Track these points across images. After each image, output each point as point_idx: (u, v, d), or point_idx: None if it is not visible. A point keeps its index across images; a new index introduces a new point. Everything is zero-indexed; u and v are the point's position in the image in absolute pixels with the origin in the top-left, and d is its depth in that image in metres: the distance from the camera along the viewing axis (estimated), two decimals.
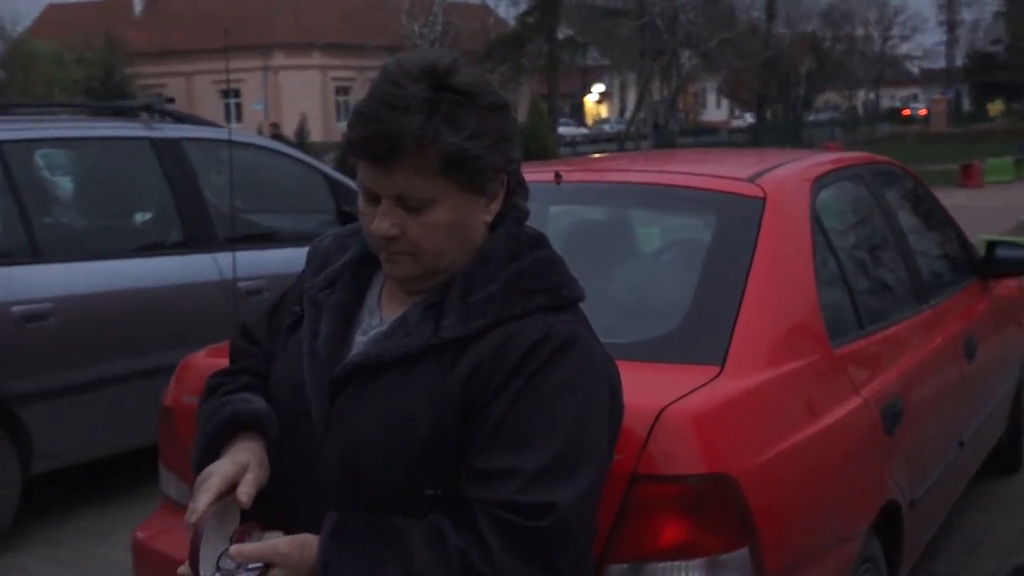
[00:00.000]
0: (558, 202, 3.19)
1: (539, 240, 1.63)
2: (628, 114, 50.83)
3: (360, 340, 1.60)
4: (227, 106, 45.95)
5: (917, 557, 3.36)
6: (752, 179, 3.01)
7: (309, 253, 1.77)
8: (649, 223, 3.22)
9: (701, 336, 2.53)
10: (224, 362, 2.98)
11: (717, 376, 2.40)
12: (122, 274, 4.97)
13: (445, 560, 1.40)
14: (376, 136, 1.45)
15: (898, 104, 72.75)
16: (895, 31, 63.06)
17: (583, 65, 49.31)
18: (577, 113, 59.76)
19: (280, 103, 45.64)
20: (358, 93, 46.75)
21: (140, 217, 5.87)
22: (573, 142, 42.86)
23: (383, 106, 1.46)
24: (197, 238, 5.34)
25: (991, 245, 4.34)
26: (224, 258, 5.32)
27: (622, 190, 3.14)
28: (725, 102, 67.61)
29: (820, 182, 3.19)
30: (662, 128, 40.83)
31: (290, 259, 5.65)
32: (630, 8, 41.90)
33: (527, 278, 1.55)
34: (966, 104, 63.14)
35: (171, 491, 3.00)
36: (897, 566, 3.03)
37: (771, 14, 47.77)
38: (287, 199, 6.39)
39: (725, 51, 42.03)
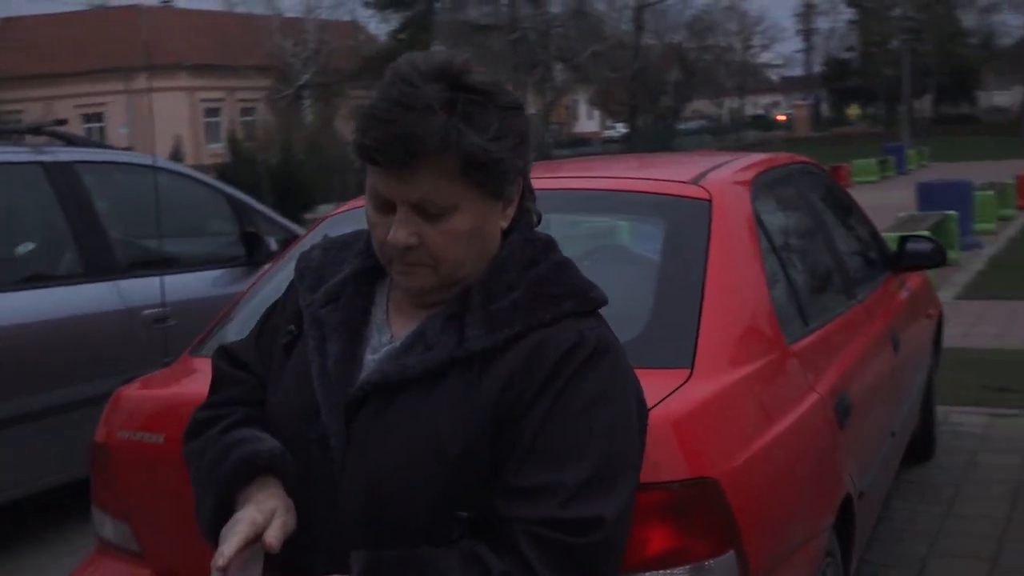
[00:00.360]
0: None
1: (551, 244, 1.56)
2: None
3: (370, 359, 1.51)
4: (89, 131, 44.43)
5: (863, 549, 3.42)
6: (695, 181, 3.02)
7: (299, 268, 1.66)
8: (597, 228, 3.19)
9: (667, 340, 2.51)
10: (162, 394, 2.91)
11: (688, 379, 2.38)
12: (11, 308, 4.67)
13: None
14: (395, 138, 1.36)
15: (761, 111, 74.97)
16: (756, 41, 65.05)
17: None
18: None
19: (147, 126, 44.31)
20: (228, 114, 45.89)
21: (30, 246, 5.60)
22: None
23: (399, 107, 1.37)
24: (96, 266, 5.11)
25: (902, 240, 4.47)
26: (126, 286, 5.12)
27: (565, 196, 3.10)
28: (596, 113, 68.58)
29: (757, 183, 3.23)
30: (539, 141, 41.19)
31: (194, 283, 5.55)
32: (502, 23, 42.25)
33: (551, 283, 1.48)
34: (825, 109, 65.53)
35: (107, 533, 2.83)
36: (849, 559, 3.07)
37: (639, 26, 48.75)
38: (189, 222, 6.18)
39: (597, 63, 42.68)
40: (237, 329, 3.07)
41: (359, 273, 1.58)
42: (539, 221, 1.58)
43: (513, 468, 1.38)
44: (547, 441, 1.38)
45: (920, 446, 4.96)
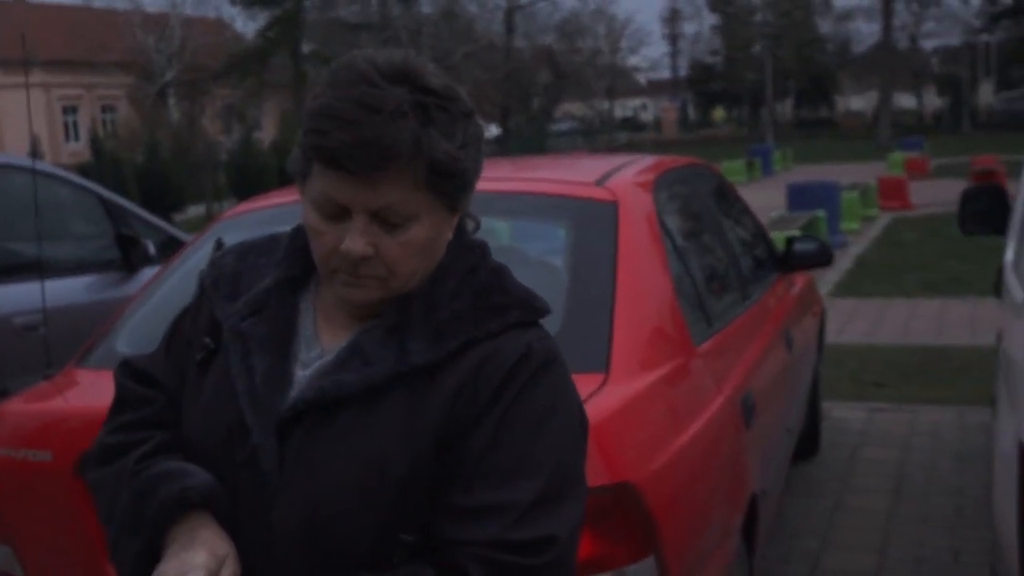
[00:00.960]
0: None
1: (487, 249, 1.49)
2: None
3: (301, 375, 1.40)
4: None
5: (763, 546, 3.46)
6: (600, 183, 3.00)
7: (212, 276, 1.53)
8: (503, 231, 3.14)
9: (580, 344, 2.47)
10: (48, 408, 2.74)
11: (604, 384, 2.37)
12: None
13: None
14: (365, 143, 1.26)
15: (630, 113, 76.25)
16: (624, 44, 66.10)
17: None
18: None
19: None
20: (87, 111, 44.30)
21: None
22: None
23: (365, 109, 1.27)
24: None
25: (789, 240, 4.56)
26: None
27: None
28: None
29: (658, 184, 3.23)
30: None
31: (67, 289, 5.30)
32: (373, 22, 41.90)
33: (493, 292, 1.41)
34: (691, 112, 67.08)
35: None
36: (754, 556, 3.10)
37: (510, 28, 49.01)
38: (60, 225, 5.89)
39: (468, 64, 42.72)
40: (127, 339, 2.93)
41: (282, 282, 1.47)
42: (476, 228, 1.51)
43: (460, 487, 1.31)
44: (495, 459, 1.31)
45: (808, 442, 5.07)
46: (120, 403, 1.55)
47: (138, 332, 2.93)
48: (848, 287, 10.05)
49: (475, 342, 1.36)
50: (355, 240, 1.31)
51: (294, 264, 1.47)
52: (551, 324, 2.46)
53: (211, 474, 1.38)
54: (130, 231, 5.64)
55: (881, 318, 8.80)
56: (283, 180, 25.31)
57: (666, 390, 2.56)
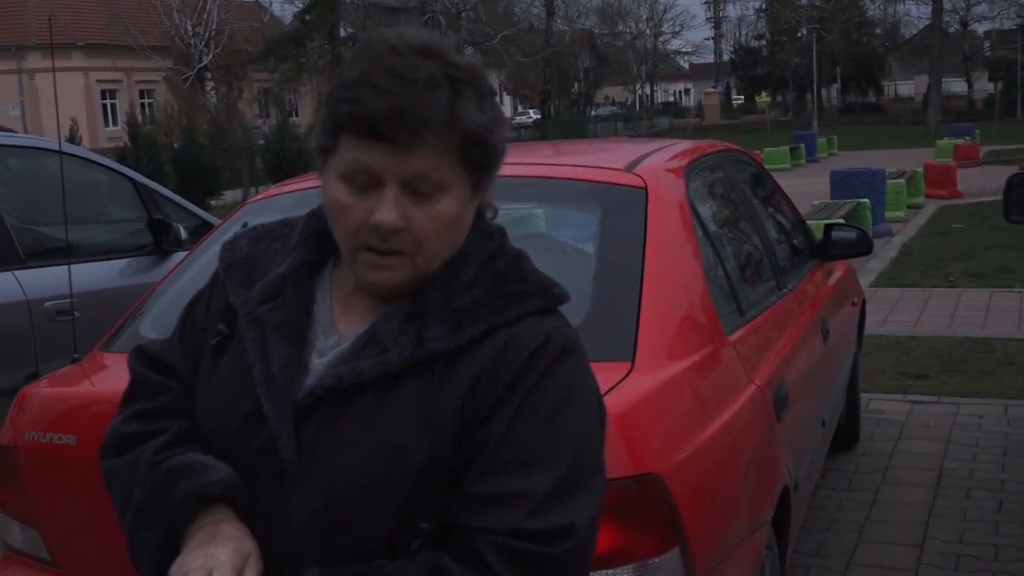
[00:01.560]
0: None
1: (506, 236, 1.46)
2: None
3: (317, 363, 1.38)
4: None
5: (795, 540, 3.39)
6: (629, 168, 2.94)
7: (225, 261, 1.51)
8: (532, 217, 3.09)
9: (607, 332, 2.42)
10: (73, 393, 2.73)
11: (629, 373, 2.32)
12: None
13: None
14: (401, 109, 1.26)
15: (671, 98, 75.76)
16: (666, 28, 65.64)
17: None
18: None
19: (38, 108, 42.72)
20: (126, 96, 44.68)
21: None
22: None
23: (400, 79, 1.27)
24: None
25: (828, 228, 4.46)
26: (26, 276, 4.87)
27: (499, 184, 3.00)
28: (508, 98, 68.64)
29: (690, 170, 3.16)
30: None
31: (100, 273, 5.32)
32: (412, 5, 41.88)
33: (513, 279, 1.39)
34: (733, 97, 66.48)
35: (14, 539, 2.68)
36: (785, 550, 3.04)
37: (550, 11, 48.77)
38: (93, 209, 5.91)
39: (508, 48, 42.59)
40: (152, 323, 2.91)
41: (299, 268, 1.45)
42: (495, 215, 1.47)
43: (477, 475, 1.30)
44: (513, 446, 1.30)
45: (845, 434, 4.98)
46: (134, 390, 1.52)
47: (163, 316, 2.91)
48: (892, 277, 9.88)
49: (494, 329, 1.35)
50: (388, 210, 1.30)
51: (310, 249, 1.46)
52: (577, 312, 2.45)
53: (227, 462, 1.37)
54: (162, 215, 5.65)
55: (925, 308, 8.63)
56: None
57: (694, 380, 2.50)
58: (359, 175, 1.31)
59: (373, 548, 1.31)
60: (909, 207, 14.97)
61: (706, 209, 3.24)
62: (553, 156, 3.54)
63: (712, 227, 3.19)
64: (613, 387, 2.22)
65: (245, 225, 2.68)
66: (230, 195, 23.73)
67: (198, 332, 1.50)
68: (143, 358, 1.55)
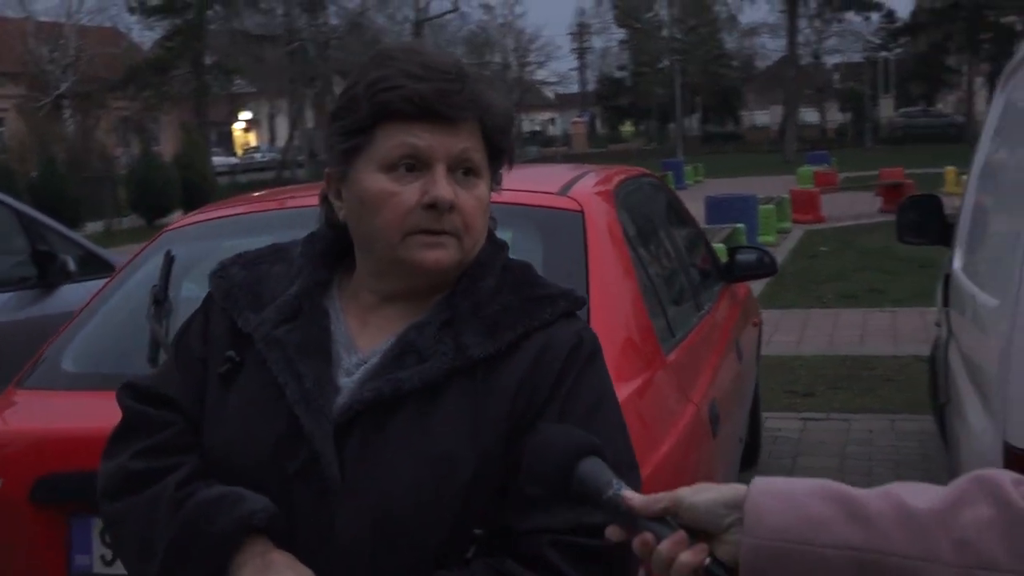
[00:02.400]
0: None
1: (507, 247, 1.49)
2: (280, 143, 50.14)
3: (346, 381, 1.37)
4: None
5: None
6: (563, 192, 2.96)
7: (223, 288, 1.48)
8: None
9: None
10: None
11: None
12: None
13: None
14: (445, 91, 1.33)
15: (538, 127, 76.70)
16: (532, 58, 66.50)
17: (229, 92, 48.00)
18: (225, 142, 58.17)
19: None
20: None
21: None
22: (230, 172, 41.53)
23: (435, 70, 1.34)
24: None
25: (732, 251, 4.58)
26: None
27: None
28: None
29: (617, 194, 3.20)
30: (318, 156, 40.54)
31: None
32: (279, 34, 41.38)
33: (534, 285, 1.43)
34: (599, 126, 67.79)
35: None
36: None
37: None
38: None
39: None
40: (75, 357, 2.78)
41: (312, 288, 1.44)
42: (495, 225, 1.49)
43: None
44: None
45: (748, 451, 5.08)
46: (131, 427, 1.46)
47: (88, 349, 2.79)
48: (770, 299, 10.19)
49: (528, 334, 1.38)
50: (444, 186, 1.33)
51: (318, 269, 1.46)
52: None
53: (256, 491, 1.34)
54: (47, 247, 5.42)
55: (805, 329, 8.94)
56: (188, 194, 24.99)
57: (644, 400, 2.53)
58: (406, 159, 1.34)
59: (427, 558, 1.31)
60: (778, 231, 15.48)
61: (633, 232, 3.28)
62: None
63: (640, 250, 3.24)
64: None
65: (169, 255, 2.61)
66: (92, 226, 22.96)
67: (197, 363, 1.46)
68: (137, 394, 1.49)
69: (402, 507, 1.30)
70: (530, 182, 3.36)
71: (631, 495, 1.15)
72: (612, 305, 2.65)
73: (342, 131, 1.37)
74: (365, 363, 1.38)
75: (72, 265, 5.39)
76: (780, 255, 13.57)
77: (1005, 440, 2.19)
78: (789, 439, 5.76)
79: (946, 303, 3.79)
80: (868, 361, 7.57)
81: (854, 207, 19.20)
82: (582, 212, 2.84)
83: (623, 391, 2.40)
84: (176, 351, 1.50)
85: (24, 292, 5.31)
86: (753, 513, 1.11)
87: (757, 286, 10.84)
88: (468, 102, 1.34)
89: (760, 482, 1.15)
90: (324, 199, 1.47)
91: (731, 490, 1.16)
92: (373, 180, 1.35)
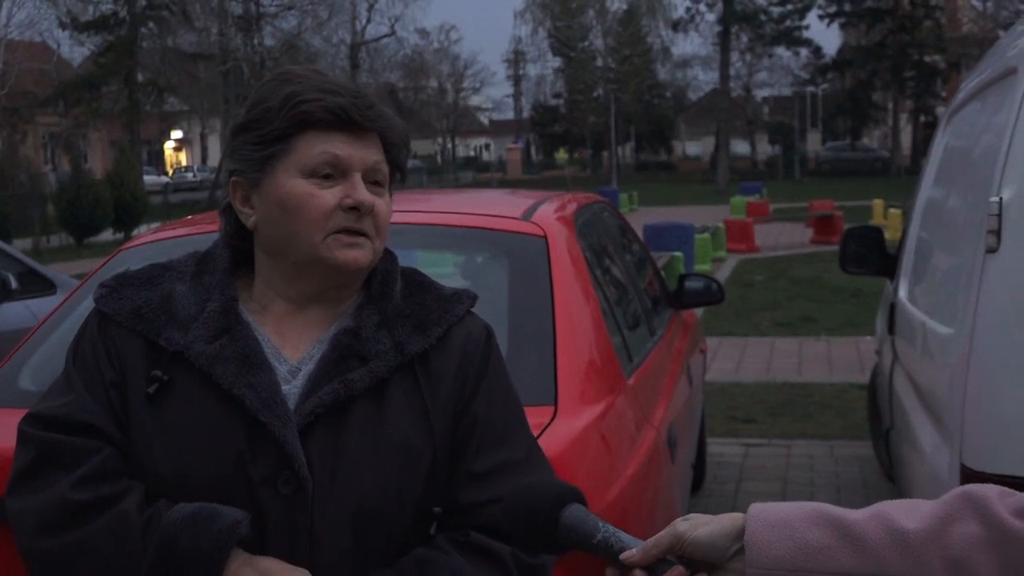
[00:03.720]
0: None
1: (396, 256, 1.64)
2: (213, 162, 49.60)
3: (286, 388, 1.43)
4: None
5: None
6: (526, 217, 3.00)
7: (126, 310, 1.47)
8: (435, 264, 3.08)
9: (529, 378, 2.45)
10: None
11: (555, 416, 2.35)
12: None
13: (507, 572, 1.44)
14: (360, 104, 1.44)
15: (472, 153, 76.92)
16: (467, 84, 66.74)
17: (161, 110, 47.36)
18: (157, 161, 57.37)
19: None
20: None
21: None
22: (162, 191, 40.92)
23: (344, 87, 1.47)
24: None
25: (681, 278, 4.65)
26: None
27: (398, 231, 2.99)
28: None
29: (577, 220, 3.25)
30: None
31: None
32: (213, 52, 41.00)
33: (434, 286, 1.58)
34: (534, 153, 68.14)
35: None
36: None
37: (355, 64, 48.83)
38: None
39: None
40: (33, 375, 2.73)
41: (231, 302, 1.48)
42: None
43: (471, 455, 1.48)
44: (494, 423, 1.51)
45: (694, 475, 5.15)
46: (50, 458, 1.42)
47: (45, 368, 2.75)
48: (708, 326, 10.30)
49: (451, 327, 1.53)
50: (363, 191, 1.45)
51: (230, 285, 1.50)
52: None
53: (219, 503, 1.37)
54: (5, 274, 5.33)
55: (743, 356, 9.07)
56: (119, 214, 24.61)
57: (609, 423, 2.56)
58: (325, 166, 1.44)
59: (395, 542, 1.43)
60: (713, 260, 15.71)
61: (592, 257, 3.33)
62: (444, 204, 3.55)
63: (599, 275, 3.28)
64: (543, 430, 2.25)
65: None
66: (19, 243, 22.48)
67: (111, 388, 1.45)
68: (43, 424, 1.45)
69: (373, 498, 1.40)
70: (491, 206, 3.40)
71: (628, 553, 1.19)
72: (576, 329, 2.69)
73: (258, 140, 1.44)
74: (299, 370, 1.45)
75: (15, 283, 5.30)
76: None
77: (962, 462, 2.26)
78: (732, 464, 5.85)
79: (891, 331, 3.90)
80: (806, 388, 7.72)
81: (786, 237, 19.57)
82: (545, 237, 2.88)
83: (589, 414, 2.46)
84: (87, 378, 1.46)
85: None
86: (753, 544, 1.16)
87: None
88: (377, 116, 1.47)
89: (757, 510, 1.19)
90: (226, 209, 1.51)
91: (730, 520, 1.20)
92: (294, 184, 1.43)
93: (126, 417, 1.43)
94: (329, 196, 1.43)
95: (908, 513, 1.16)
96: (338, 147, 1.44)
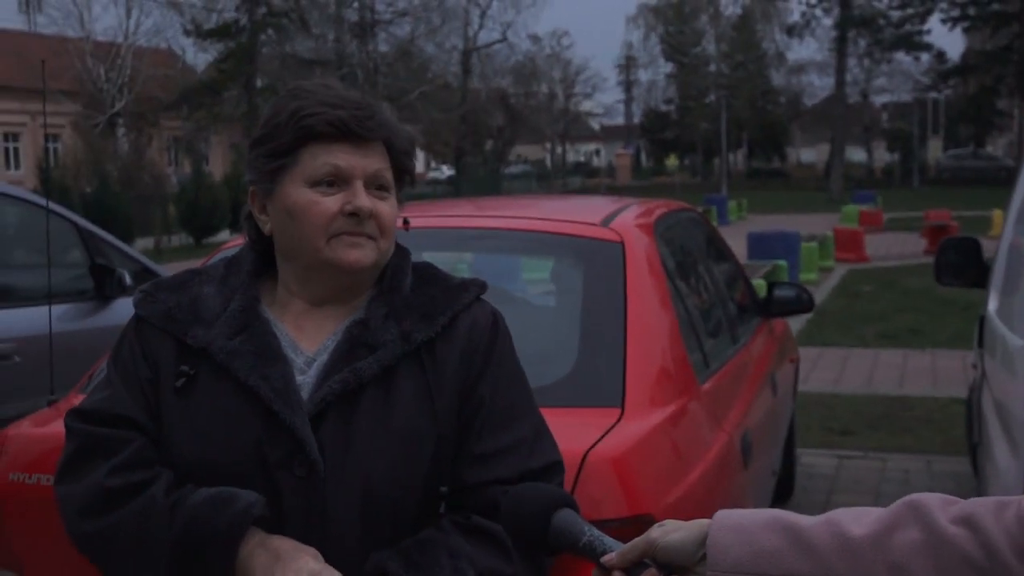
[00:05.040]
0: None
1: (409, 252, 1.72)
2: None
3: (301, 379, 1.55)
4: None
5: None
6: (605, 223, 3.06)
7: (160, 312, 1.61)
8: (513, 268, 3.18)
9: (597, 380, 2.53)
10: (58, 432, 2.70)
11: (620, 418, 2.41)
12: None
13: (505, 552, 1.50)
14: (361, 117, 1.54)
15: (582, 158, 76.89)
16: (578, 89, 66.71)
17: None
18: None
19: None
20: (31, 139, 43.63)
21: None
22: None
23: (348, 100, 1.56)
24: None
25: (771, 286, 4.64)
26: None
27: (477, 235, 3.09)
28: (422, 154, 68.77)
29: (656, 227, 3.29)
30: None
31: (39, 318, 5.21)
32: (329, 59, 41.90)
33: (444, 277, 1.67)
34: (644, 159, 67.74)
35: None
36: None
37: (466, 69, 49.31)
38: (32, 252, 5.81)
39: (424, 104, 42.84)
40: None
41: (252, 302, 1.61)
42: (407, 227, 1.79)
43: (477, 437, 1.57)
44: (500, 405, 1.59)
45: (782, 485, 5.13)
46: (90, 449, 1.57)
47: None
48: (810, 336, 10.19)
49: (457, 315, 1.62)
50: (363, 198, 1.55)
51: (252, 286, 1.63)
52: (566, 357, 2.56)
53: (239, 486, 1.48)
54: (105, 261, 5.59)
55: (844, 367, 8.93)
56: (236, 214, 25.32)
57: (677, 427, 2.60)
58: (328, 176, 1.54)
59: (406, 521, 1.51)
60: (820, 269, 15.45)
61: (672, 264, 3.37)
62: (523, 210, 3.64)
63: (678, 281, 3.32)
64: (607, 432, 2.31)
65: None
66: (141, 244, 23.34)
67: (145, 383, 1.58)
68: (85, 417, 1.60)
69: (381, 481, 1.49)
70: (573, 213, 3.47)
71: (608, 556, 1.26)
72: (648, 333, 2.74)
73: (268, 153, 1.56)
74: (315, 361, 1.56)
75: (128, 279, 5.54)
76: (821, 293, 13.56)
77: None
78: (824, 476, 5.78)
79: (980, 344, 3.84)
80: (907, 401, 7.57)
81: (898, 248, 19.12)
82: (622, 243, 2.94)
83: (657, 416, 2.51)
84: (123, 374, 1.61)
85: (81, 304, 5.46)
86: (713, 548, 1.23)
87: (797, 323, 10.85)
88: (379, 126, 1.56)
89: (720, 516, 1.27)
90: (248, 216, 1.65)
91: (698, 527, 1.27)
92: (300, 193, 1.54)
93: (158, 410, 1.57)
94: (331, 203, 1.54)
95: (857, 520, 1.22)
96: (340, 157, 1.54)
